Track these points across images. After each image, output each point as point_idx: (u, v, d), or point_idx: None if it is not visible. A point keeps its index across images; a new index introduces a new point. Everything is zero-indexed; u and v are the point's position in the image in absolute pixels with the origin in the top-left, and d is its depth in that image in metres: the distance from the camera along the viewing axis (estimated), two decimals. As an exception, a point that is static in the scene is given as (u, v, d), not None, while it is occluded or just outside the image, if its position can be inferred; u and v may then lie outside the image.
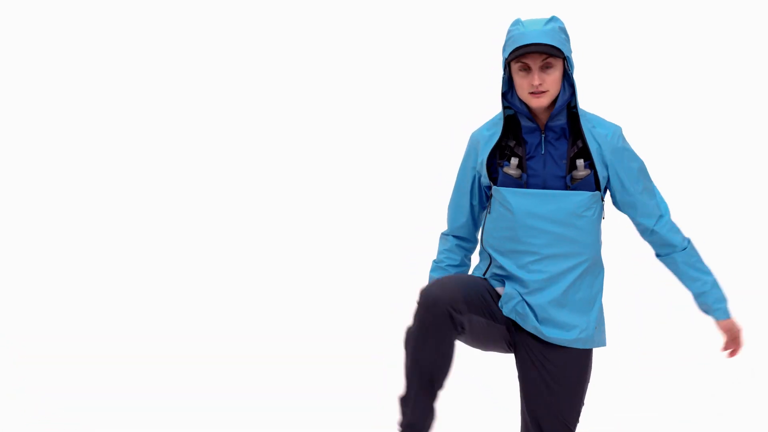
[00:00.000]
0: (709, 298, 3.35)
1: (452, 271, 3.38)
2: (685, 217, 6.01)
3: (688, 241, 3.37)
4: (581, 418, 3.35)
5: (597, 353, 3.40)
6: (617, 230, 4.77)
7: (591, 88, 4.19)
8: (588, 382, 3.33)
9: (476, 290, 3.15)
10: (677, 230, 3.35)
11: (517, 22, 3.18)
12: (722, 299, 3.37)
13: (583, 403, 3.31)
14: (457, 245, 3.41)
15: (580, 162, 3.17)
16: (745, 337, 3.39)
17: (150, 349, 5.96)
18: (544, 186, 3.17)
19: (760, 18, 6.13)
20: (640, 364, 5.78)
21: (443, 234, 3.45)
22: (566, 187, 3.17)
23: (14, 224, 6.20)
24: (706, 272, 3.36)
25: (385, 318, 5.99)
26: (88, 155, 6.29)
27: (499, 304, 3.21)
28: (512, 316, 3.21)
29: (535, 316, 3.20)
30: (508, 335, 3.25)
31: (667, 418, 5.32)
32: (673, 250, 3.33)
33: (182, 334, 6.04)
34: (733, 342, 3.40)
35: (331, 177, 6.30)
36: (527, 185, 3.18)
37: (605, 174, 3.22)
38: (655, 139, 6.06)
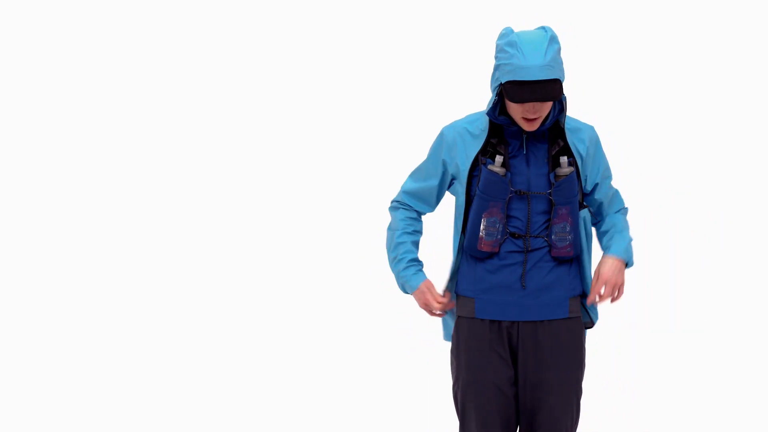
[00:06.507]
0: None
1: (417, 237, 3.37)
2: (682, 217, 6.04)
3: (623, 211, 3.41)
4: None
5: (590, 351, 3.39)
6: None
7: (578, 89, 4.22)
8: (583, 362, 3.31)
9: (505, 412, 3.25)
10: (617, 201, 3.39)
11: (512, 43, 3.05)
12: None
13: (581, 390, 3.32)
14: (417, 217, 3.41)
15: (563, 159, 3.18)
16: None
17: (149, 350, 5.97)
18: (529, 184, 3.18)
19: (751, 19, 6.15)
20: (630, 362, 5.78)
21: (399, 204, 3.43)
22: (550, 185, 3.18)
23: (14, 224, 6.22)
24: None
25: (382, 319, 6.00)
26: (86, 155, 6.30)
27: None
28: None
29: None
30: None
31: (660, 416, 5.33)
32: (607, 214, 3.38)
33: (181, 334, 6.04)
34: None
35: (330, 178, 6.31)
36: (512, 184, 3.17)
37: (584, 171, 3.26)
38: (638, 141, 6.08)
